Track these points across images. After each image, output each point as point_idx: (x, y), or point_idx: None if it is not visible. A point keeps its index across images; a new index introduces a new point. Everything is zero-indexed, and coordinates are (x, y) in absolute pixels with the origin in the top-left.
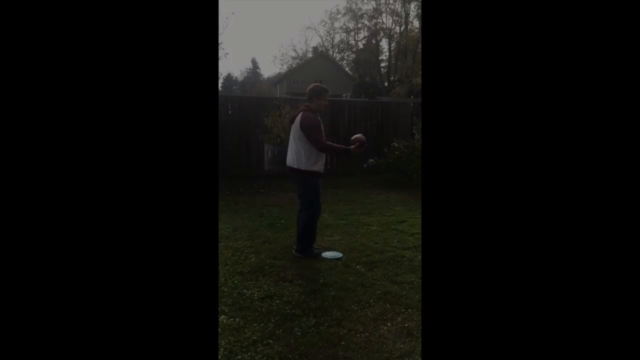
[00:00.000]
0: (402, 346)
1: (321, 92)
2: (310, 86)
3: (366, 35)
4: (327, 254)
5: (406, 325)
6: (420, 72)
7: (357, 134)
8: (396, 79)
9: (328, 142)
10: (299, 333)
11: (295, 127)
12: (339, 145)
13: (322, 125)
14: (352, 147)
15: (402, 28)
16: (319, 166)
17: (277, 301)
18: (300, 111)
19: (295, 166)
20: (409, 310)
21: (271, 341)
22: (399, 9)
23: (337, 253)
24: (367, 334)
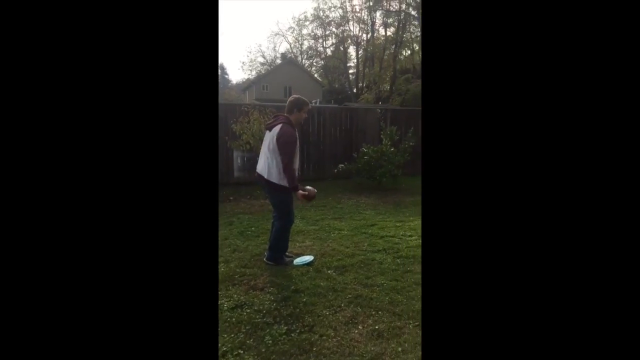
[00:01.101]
0: (373, 348)
1: (303, 104)
2: (292, 98)
3: (334, 42)
4: (298, 260)
5: (377, 327)
6: (387, 79)
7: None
8: (364, 85)
9: (290, 168)
10: (270, 342)
11: (272, 138)
12: (293, 180)
13: (297, 142)
14: (301, 191)
15: (369, 36)
16: None
17: (248, 310)
18: (280, 123)
19: (266, 176)
20: (379, 312)
21: (241, 351)
22: (365, 17)
23: (308, 257)
24: (339, 339)
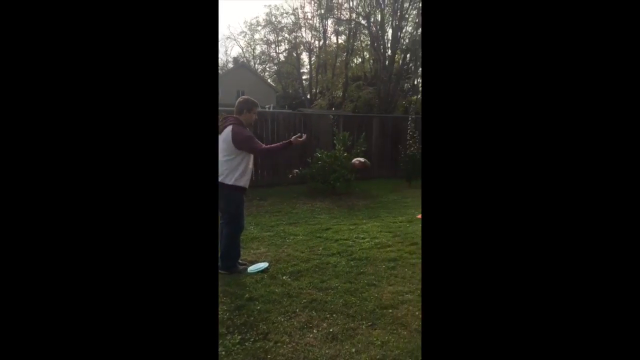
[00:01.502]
0: (327, 351)
1: (252, 105)
2: (241, 99)
3: (287, 48)
4: (252, 268)
5: (331, 330)
6: (340, 86)
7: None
8: (318, 91)
9: (267, 146)
10: (223, 352)
11: (224, 141)
12: (279, 144)
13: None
14: (293, 138)
15: (321, 43)
16: (244, 181)
17: None
18: (230, 124)
19: (220, 179)
20: (334, 315)
21: None
22: (317, 25)
23: (263, 264)
24: (294, 344)
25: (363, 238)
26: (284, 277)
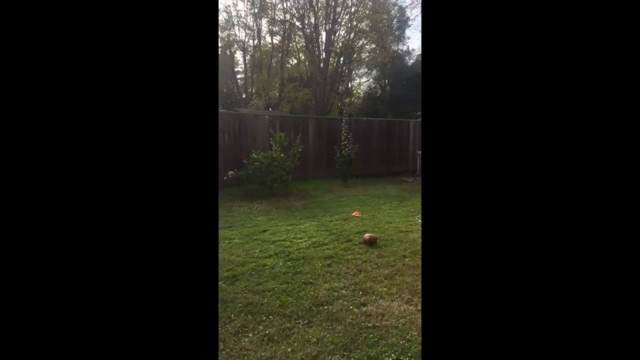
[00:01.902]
0: (263, 354)
1: None
2: None
3: (221, 46)
4: None
5: (267, 332)
6: (276, 86)
7: None
8: (254, 91)
9: None
10: None
11: None
12: None
13: None
14: None
15: (256, 42)
16: None
17: None
18: None
19: None
20: (270, 317)
21: None
22: (251, 24)
23: None
24: (228, 350)
25: (300, 238)
26: (218, 283)
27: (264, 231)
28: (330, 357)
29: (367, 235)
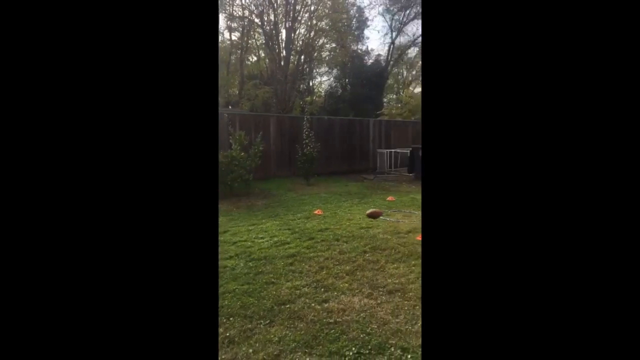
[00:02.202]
0: (224, 356)
1: None
2: None
3: None
4: None
5: (228, 334)
6: (236, 84)
7: None
8: None
9: None
10: None
11: None
12: None
13: None
14: None
15: None
16: None
17: None
18: None
19: None
20: (231, 318)
21: None
22: None
23: None
24: None
25: (262, 238)
26: None
27: (225, 232)
28: (291, 355)
29: (371, 211)
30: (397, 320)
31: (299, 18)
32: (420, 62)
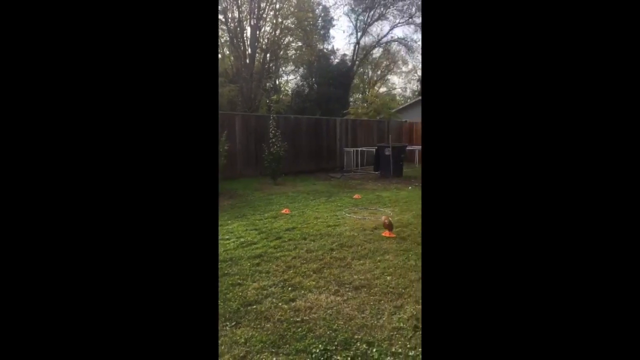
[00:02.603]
0: None
1: None
2: None
3: None
4: None
5: None
6: None
7: None
8: None
9: None
10: None
11: None
12: None
13: None
14: None
15: None
16: None
17: None
18: None
19: None
20: None
21: None
22: None
23: None
24: None
25: (228, 239)
26: None
27: None
28: (258, 356)
29: (385, 220)
30: (362, 315)
31: (264, 16)
32: (385, 63)
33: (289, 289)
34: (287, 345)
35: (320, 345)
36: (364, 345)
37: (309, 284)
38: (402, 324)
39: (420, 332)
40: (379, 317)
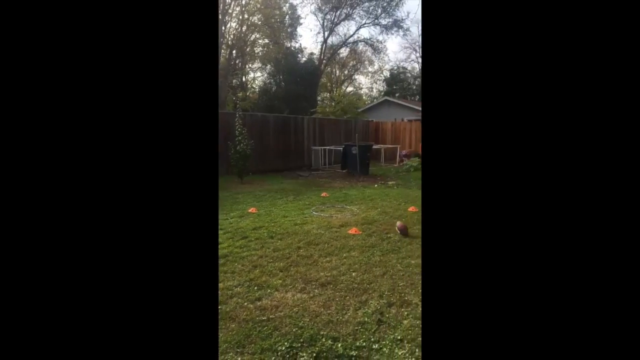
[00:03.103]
0: None
1: None
2: None
3: None
4: None
5: None
6: None
7: None
8: None
9: None
10: None
11: None
12: None
13: None
14: None
15: None
16: None
17: None
18: None
19: None
20: None
21: None
22: None
23: None
24: None
25: None
26: None
27: None
28: (223, 356)
29: (400, 225)
30: (328, 311)
31: (230, 11)
32: (352, 62)
33: (255, 288)
34: (253, 345)
35: (285, 343)
36: (329, 341)
37: (275, 282)
38: (366, 319)
39: (385, 326)
40: (344, 312)
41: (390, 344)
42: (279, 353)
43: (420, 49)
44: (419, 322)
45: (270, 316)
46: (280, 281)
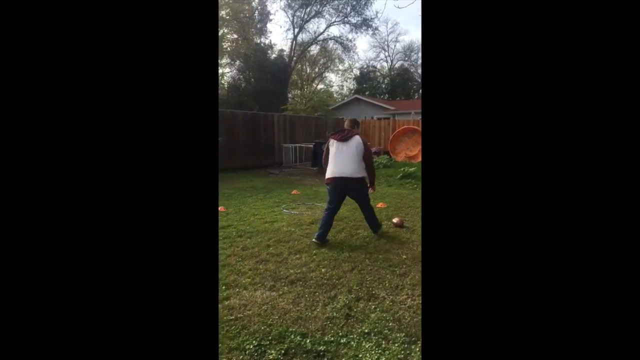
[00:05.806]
0: None
1: (359, 124)
2: (352, 118)
3: None
4: None
5: None
6: None
7: None
8: None
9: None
10: None
11: (356, 147)
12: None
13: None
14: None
15: None
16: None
17: None
18: (357, 135)
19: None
20: None
21: None
22: None
23: None
24: None
25: None
26: None
27: None
28: None
29: (396, 220)
30: (297, 308)
31: None
32: (322, 60)
33: (223, 287)
34: (220, 345)
35: (254, 341)
36: (298, 337)
37: (244, 281)
38: (335, 314)
39: (352, 320)
40: (313, 308)
41: (357, 337)
42: (247, 352)
43: (391, 49)
44: (385, 314)
45: (238, 315)
46: (249, 280)
